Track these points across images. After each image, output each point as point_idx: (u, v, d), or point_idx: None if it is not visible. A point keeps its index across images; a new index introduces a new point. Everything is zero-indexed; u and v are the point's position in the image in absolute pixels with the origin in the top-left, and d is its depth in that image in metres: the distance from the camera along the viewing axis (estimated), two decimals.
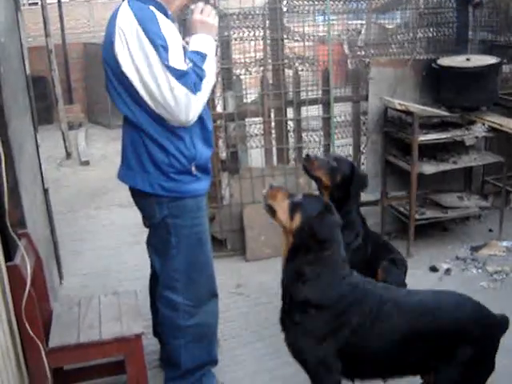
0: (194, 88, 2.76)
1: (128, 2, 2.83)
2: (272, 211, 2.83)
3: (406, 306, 2.79)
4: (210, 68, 2.88)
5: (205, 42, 2.91)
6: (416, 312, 2.76)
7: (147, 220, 3.16)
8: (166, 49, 2.72)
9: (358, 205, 3.90)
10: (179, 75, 2.72)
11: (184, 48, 2.88)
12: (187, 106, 2.76)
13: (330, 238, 2.73)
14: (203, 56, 2.86)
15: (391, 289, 2.95)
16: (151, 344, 3.67)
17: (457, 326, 2.72)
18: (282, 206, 2.78)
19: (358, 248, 3.69)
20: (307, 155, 3.80)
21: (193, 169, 2.96)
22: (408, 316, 2.74)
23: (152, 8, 2.81)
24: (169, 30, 2.79)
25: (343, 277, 2.77)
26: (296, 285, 2.76)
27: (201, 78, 2.80)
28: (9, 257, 2.87)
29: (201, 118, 2.96)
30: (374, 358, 2.78)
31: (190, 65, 2.81)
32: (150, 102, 2.81)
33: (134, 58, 2.74)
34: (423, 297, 2.89)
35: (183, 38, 3.02)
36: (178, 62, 2.76)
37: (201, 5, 3.01)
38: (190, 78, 2.76)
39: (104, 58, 2.89)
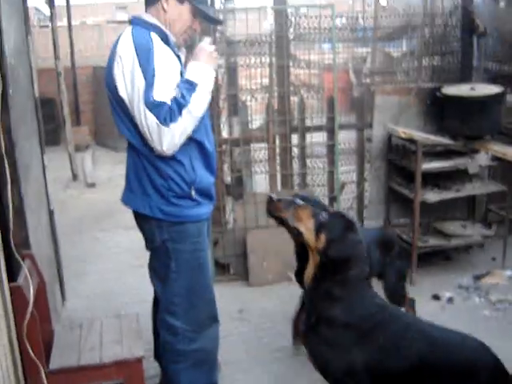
0: (169, 119, 2.74)
1: (132, 28, 2.89)
2: (298, 232, 2.85)
3: (431, 338, 2.78)
4: (199, 98, 2.84)
5: (200, 71, 2.89)
6: (438, 345, 2.76)
7: (148, 243, 3.17)
8: (153, 76, 2.73)
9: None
10: (152, 104, 2.73)
11: (182, 75, 2.91)
12: (159, 136, 2.76)
13: (354, 257, 2.76)
14: (193, 85, 2.83)
15: (417, 318, 2.96)
16: (152, 367, 3.66)
17: (472, 370, 2.71)
18: (308, 227, 2.81)
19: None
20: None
21: (192, 193, 2.97)
22: (430, 346, 2.74)
23: (153, 34, 2.84)
24: (164, 59, 2.82)
25: (369, 296, 2.81)
26: (323, 303, 2.79)
27: (180, 109, 2.76)
28: (12, 277, 2.89)
29: (199, 143, 2.98)
30: (393, 380, 2.78)
31: (174, 93, 2.80)
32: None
33: (126, 83, 2.78)
34: (448, 333, 2.89)
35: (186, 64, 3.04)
36: (162, 92, 2.76)
37: (209, 40, 3.08)
38: (164, 109, 2.74)
39: (106, 83, 2.94)
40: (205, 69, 2.92)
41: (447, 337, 2.84)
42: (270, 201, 3.25)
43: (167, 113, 2.74)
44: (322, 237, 2.75)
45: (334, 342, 2.77)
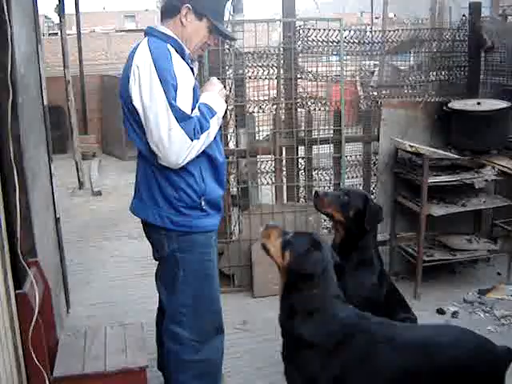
0: (194, 135, 2.80)
1: (148, 39, 2.91)
2: (266, 249, 2.93)
3: (402, 343, 2.78)
4: (215, 125, 2.94)
5: (218, 102, 3.01)
6: (412, 349, 2.76)
7: (156, 253, 3.18)
8: (175, 88, 2.78)
9: (376, 242, 3.85)
10: (182, 117, 2.77)
11: (195, 89, 2.94)
12: (180, 149, 2.79)
13: (316, 275, 2.78)
14: (213, 112, 2.93)
15: (387, 324, 2.94)
16: (155, 377, 3.66)
17: (458, 364, 2.70)
18: (275, 245, 2.89)
19: (372, 287, 3.65)
20: (316, 192, 3.78)
21: (202, 203, 2.99)
22: (403, 353, 2.74)
23: (169, 47, 2.87)
24: (182, 71, 2.86)
25: (334, 314, 2.80)
26: (289, 322, 2.83)
27: (202, 129, 2.85)
28: (18, 284, 2.90)
29: (209, 155, 3.01)
30: None
31: (198, 113, 2.87)
32: (147, 137, 2.86)
33: (143, 93, 2.79)
34: (421, 332, 2.91)
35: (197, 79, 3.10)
36: (185, 104, 2.82)
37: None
38: (192, 124, 2.80)
39: (120, 93, 2.95)
40: (219, 100, 3.03)
41: (423, 337, 2.83)
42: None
43: (194, 129, 2.81)
44: (287, 254, 2.82)
45: (298, 367, 2.82)
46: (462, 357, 2.72)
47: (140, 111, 2.83)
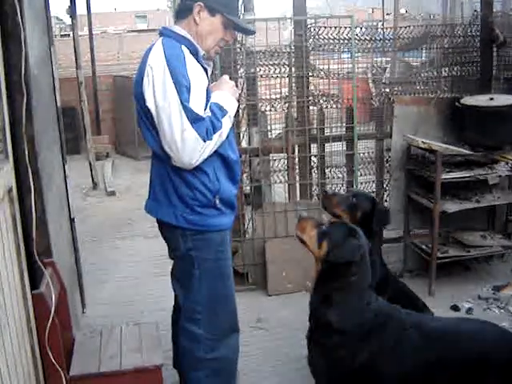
0: (206, 135, 2.82)
1: (162, 39, 2.92)
2: (303, 242, 2.98)
3: (429, 332, 2.82)
4: (227, 125, 2.95)
5: (229, 101, 3.01)
6: (439, 338, 2.79)
7: (172, 252, 3.20)
8: (188, 90, 2.79)
9: (380, 245, 3.87)
10: (195, 119, 2.78)
11: (208, 91, 2.96)
12: (194, 150, 2.81)
13: (354, 262, 2.81)
14: (224, 111, 2.94)
15: (416, 315, 2.99)
16: (171, 375, 3.67)
17: (481, 354, 2.72)
18: (311, 236, 2.92)
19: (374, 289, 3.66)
20: (325, 192, 3.80)
21: (217, 202, 3.01)
22: (430, 342, 2.78)
23: (184, 48, 2.88)
24: (195, 72, 2.87)
25: (367, 303, 2.85)
26: (322, 308, 2.87)
27: (215, 129, 2.86)
28: (34, 285, 2.93)
29: (222, 154, 3.02)
30: None
31: (209, 114, 2.88)
32: (160, 137, 2.88)
33: (156, 94, 2.80)
34: (447, 323, 2.94)
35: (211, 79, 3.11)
36: (198, 106, 2.83)
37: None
38: (204, 125, 2.81)
39: (134, 93, 2.97)
40: (231, 99, 3.03)
41: (449, 327, 2.87)
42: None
43: (206, 129, 2.82)
44: (324, 244, 2.86)
45: (325, 352, 2.87)
46: (487, 345, 2.74)
47: (153, 112, 2.85)
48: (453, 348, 2.75)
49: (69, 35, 13.44)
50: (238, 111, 5.00)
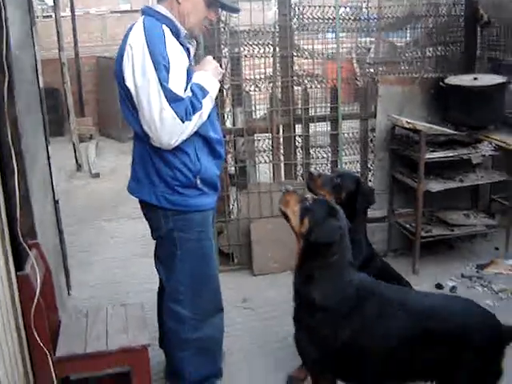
0: (185, 116, 2.81)
1: (143, 18, 2.90)
2: (285, 216, 2.96)
3: (412, 308, 2.83)
4: (207, 105, 2.94)
5: (210, 82, 3.00)
6: (421, 314, 2.80)
7: (154, 232, 3.20)
8: (167, 70, 2.78)
9: (365, 225, 3.88)
10: (173, 98, 2.78)
11: (188, 71, 2.94)
12: (172, 130, 2.80)
13: (334, 242, 2.83)
14: (205, 92, 2.93)
15: (400, 290, 3.03)
16: (157, 355, 3.69)
17: (463, 332, 2.73)
18: (294, 211, 2.91)
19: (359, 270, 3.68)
20: (310, 173, 3.78)
21: (198, 182, 3.01)
22: (413, 317, 2.79)
23: (164, 27, 2.86)
24: (175, 53, 2.85)
25: (349, 280, 2.87)
26: (305, 287, 2.88)
27: (194, 110, 2.85)
28: (19, 266, 2.92)
29: (203, 135, 3.01)
30: (375, 360, 2.83)
31: (190, 94, 2.87)
32: (139, 117, 2.86)
33: (135, 73, 2.80)
34: (431, 300, 2.95)
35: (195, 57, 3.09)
36: (177, 86, 2.82)
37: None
38: (183, 105, 2.81)
39: (115, 72, 2.96)
40: (212, 79, 3.02)
41: (433, 304, 2.87)
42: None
43: (185, 110, 2.82)
44: (306, 221, 2.85)
45: (310, 330, 2.89)
46: (469, 324, 2.75)
47: (132, 91, 2.84)
48: (434, 325, 2.75)
49: (51, 16, 13.26)
50: (222, 91, 4.98)
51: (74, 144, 9.07)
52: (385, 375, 2.89)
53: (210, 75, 3.02)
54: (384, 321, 2.79)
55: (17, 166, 2.97)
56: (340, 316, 2.81)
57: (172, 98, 2.77)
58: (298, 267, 2.93)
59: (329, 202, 3.02)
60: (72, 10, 11.47)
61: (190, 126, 2.86)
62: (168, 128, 2.79)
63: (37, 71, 4.30)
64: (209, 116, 2.99)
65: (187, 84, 2.90)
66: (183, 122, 2.80)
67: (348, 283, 2.86)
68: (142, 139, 2.98)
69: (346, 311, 2.81)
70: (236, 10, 3.43)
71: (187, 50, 3.01)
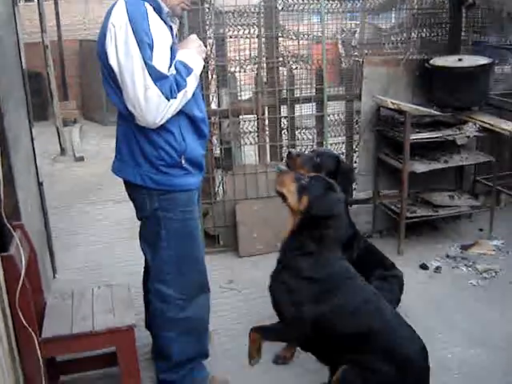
0: (170, 94, 2.79)
1: None
2: (282, 196, 2.98)
3: (383, 317, 2.92)
4: (192, 83, 2.92)
5: (194, 60, 2.99)
6: (388, 327, 2.89)
7: (139, 212, 3.19)
8: (151, 47, 2.75)
9: (347, 205, 3.88)
10: (158, 77, 2.76)
11: (172, 49, 2.91)
12: (157, 108, 2.78)
13: (333, 215, 2.89)
14: (189, 70, 2.91)
15: (380, 298, 3.03)
16: (143, 337, 3.69)
17: (398, 350, 2.83)
18: (291, 190, 2.94)
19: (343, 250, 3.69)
20: (289, 152, 3.78)
21: (183, 162, 2.99)
22: (380, 325, 2.87)
23: (147, 5, 2.83)
24: (159, 30, 2.82)
25: (339, 257, 2.96)
26: (296, 255, 2.93)
27: (179, 87, 2.84)
28: (4, 247, 2.90)
29: (187, 113, 2.99)
30: (332, 340, 2.91)
31: (174, 72, 2.85)
32: (124, 96, 2.84)
33: (118, 52, 2.76)
34: (401, 322, 2.99)
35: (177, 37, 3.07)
36: (161, 64, 2.80)
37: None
38: (168, 83, 2.79)
39: (98, 52, 2.92)
40: (197, 57, 3.01)
41: (398, 325, 2.94)
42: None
43: (170, 88, 2.80)
44: (304, 198, 2.89)
45: (293, 290, 2.92)
46: (408, 362, 2.83)
47: (116, 70, 2.81)
48: (390, 340, 2.84)
49: (33, 0, 13.11)
50: (206, 72, 4.95)
51: (57, 128, 9.01)
52: (327, 351, 2.98)
53: (194, 53, 3.00)
54: (356, 312, 2.88)
55: (0, 145, 2.94)
56: (324, 289, 2.87)
57: (156, 76, 2.75)
58: (290, 237, 2.97)
59: (325, 178, 3.05)
60: None
61: (175, 104, 2.84)
62: (153, 106, 2.77)
63: (19, 52, 4.26)
64: (193, 94, 2.98)
65: (171, 62, 2.88)
66: (168, 100, 2.78)
67: (337, 260, 2.94)
68: (126, 118, 2.95)
69: (330, 286, 2.88)
70: None
71: (170, 28, 2.98)
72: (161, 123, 2.85)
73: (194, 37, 3.15)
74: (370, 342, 2.82)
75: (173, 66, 2.88)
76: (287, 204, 2.96)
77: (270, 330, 3.10)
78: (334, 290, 2.88)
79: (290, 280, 2.93)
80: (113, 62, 2.80)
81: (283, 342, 3.09)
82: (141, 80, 2.74)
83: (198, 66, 2.99)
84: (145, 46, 2.74)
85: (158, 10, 2.90)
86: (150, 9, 2.84)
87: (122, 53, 2.75)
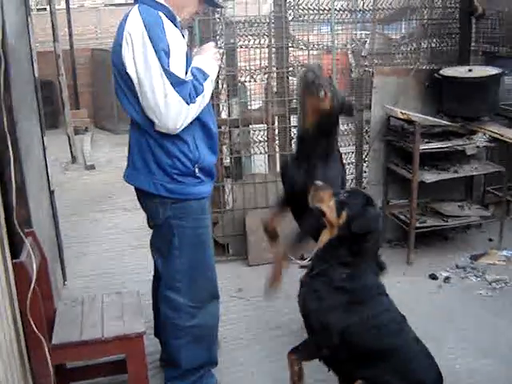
0: (189, 98, 2.82)
1: (138, 6, 2.90)
2: (321, 213, 2.98)
3: (405, 337, 2.94)
4: (209, 88, 2.96)
5: (210, 65, 3.02)
6: (407, 347, 2.91)
7: (151, 220, 3.21)
8: (168, 54, 2.78)
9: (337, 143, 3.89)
10: (177, 82, 2.79)
11: (187, 55, 2.95)
12: (178, 114, 2.82)
13: (371, 230, 2.90)
14: (206, 75, 2.95)
15: (405, 320, 3.04)
16: (152, 344, 3.71)
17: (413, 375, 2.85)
18: (330, 207, 2.94)
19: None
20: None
21: (196, 170, 3.02)
22: (401, 345, 2.89)
23: (161, 14, 2.87)
24: (174, 37, 2.86)
25: (375, 274, 3.00)
26: (332, 265, 2.94)
27: (197, 92, 2.87)
28: (15, 254, 2.92)
29: (203, 122, 3.02)
30: (352, 352, 2.91)
31: (191, 78, 2.89)
32: (142, 103, 2.87)
33: (136, 60, 2.79)
34: (421, 345, 2.99)
35: (189, 46, 3.12)
36: (178, 69, 2.83)
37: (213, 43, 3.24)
38: (187, 88, 2.82)
39: (112, 61, 2.96)
40: (212, 63, 3.04)
41: (419, 349, 2.94)
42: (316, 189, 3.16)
43: (189, 92, 2.83)
44: (344, 215, 2.89)
45: (324, 298, 2.94)
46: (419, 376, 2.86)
47: (134, 79, 2.84)
48: (409, 360, 2.86)
49: (45, 9, 13.22)
50: (217, 82, 4.98)
51: (68, 136, 9.04)
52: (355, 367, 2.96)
53: (209, 59, 3.03)
54: (384, 328, 2.90)
55: (13, 153, 2.96)
56: (354, 301, 2.89)
57: (175, 82, 2.78)
58: (327, 248, 2.99)
59: (363, 192, 3.10)
60: (67, 3, 11.41)
61: (195, 109, 2.88)
62: (173, 112, 2.80)
63: (32, 60, 4.30)
64: (209, 107, 3.02)
65: (187, 68, 2.91)
66: (188, 105, 2.82)
67: (371, 274, 2.97)
68: (139, 127, 2.98)
69: (360, 299, 2.90)
70: (220, 6, 3.64)
71: (183, 36, 3.02)
72: (181, 128, 2.88)
73: (211, 44, 3.19)
74: (389, 360, 2.83)
75: (189, 71, 2.91)
76: (325, 219, 2.97)
77: (302, 346, 3.09)
78: (364, 303, 2.90)
79: (323, 288, 2.95)
80: (131, 70, 2.83)
81: (314, 356, 3.04)
82: (160, 87, 2.77)
83: (213, 71, 3.03)
84: (162, 53, 2.77)
85: (172, 19, 2.93)
86: (164, 17, 2.88)
87: (141, 61, 2.79)
